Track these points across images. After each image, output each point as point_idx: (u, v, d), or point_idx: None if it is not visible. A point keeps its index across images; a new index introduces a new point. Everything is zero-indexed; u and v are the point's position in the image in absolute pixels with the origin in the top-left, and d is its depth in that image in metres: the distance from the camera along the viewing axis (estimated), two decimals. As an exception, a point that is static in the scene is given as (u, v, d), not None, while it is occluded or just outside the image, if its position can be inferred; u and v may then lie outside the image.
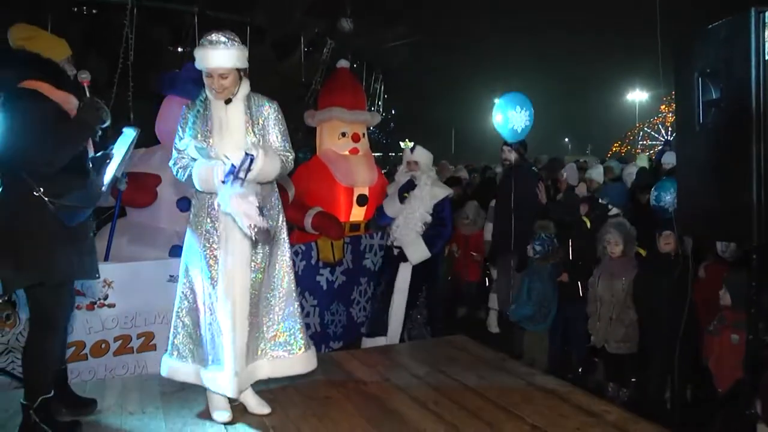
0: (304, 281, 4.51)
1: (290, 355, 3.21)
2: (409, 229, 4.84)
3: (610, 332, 4.38)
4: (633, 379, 4.37)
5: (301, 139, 6.29)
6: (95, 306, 4.12)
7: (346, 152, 5.55)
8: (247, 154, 2.83)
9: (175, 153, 3.10)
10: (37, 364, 2.87)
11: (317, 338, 4.50)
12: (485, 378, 3.72)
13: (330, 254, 4.76)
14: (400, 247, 4.90)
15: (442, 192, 4.97)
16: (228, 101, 3.01)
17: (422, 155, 5.01)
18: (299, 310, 3.28)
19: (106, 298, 4.13)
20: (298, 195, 4.83)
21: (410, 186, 4.89)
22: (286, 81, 6.87)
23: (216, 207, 2.95)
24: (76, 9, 7.45)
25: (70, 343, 3.89)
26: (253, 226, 2.76)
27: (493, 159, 12.33)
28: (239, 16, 6.47)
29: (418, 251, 4.81)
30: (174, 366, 3.16)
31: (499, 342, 5.53)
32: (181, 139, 3.07)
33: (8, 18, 3.47)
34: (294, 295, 3.24)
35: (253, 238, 2.83)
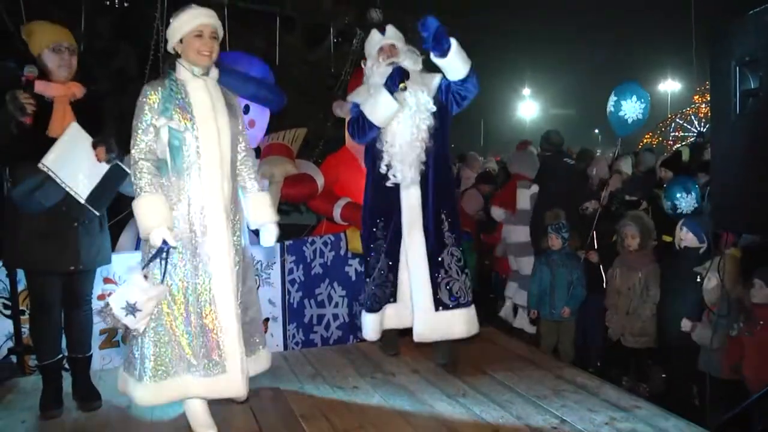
0: (333, 271, 4.53)
1: (253, 354, 3.05)
2: (412, 146, 3.61)
3: (626, 326, 4.34)
4: (663, 375, 4.32)
5: (330, 129, 6.30)
6: (127, 294, 4.18)
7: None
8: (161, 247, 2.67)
9: (138, 146, 2.76)
10: (32, 338, 3.29)
11: (345, 328, 4.51)
12: (513, 370, 3.71)
13: (359, 244, 4.76)
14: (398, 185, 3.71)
15: (433, 78, 3.72)
16: (204, 74, 2.86)
17: (397, 36, 3.77)
18: (259, 308, 3.22)
19: (137, 286, 4.18)
20: (327, 185, 4.83)
21: (399, 76, 3.50)
22: (315, 71, 6.89)
23: (197, 212, 2.80)
24: (108, 2, 7.54)
25: (103, 330, 3.96)
26: (109, 306, 2.60)
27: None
28: (269, 6, 6.48)
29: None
30: (157, 388, 2.80)
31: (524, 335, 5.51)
32: (145, 127, 2.75)
33: (45, 11, 3.54)
34: (255, 293, 3.17)
35: (101, 310, 2.65)
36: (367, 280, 3.91)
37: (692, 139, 20.10)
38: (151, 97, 2.78)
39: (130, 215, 5.09)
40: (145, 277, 2.69)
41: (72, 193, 3.01)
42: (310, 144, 6.19)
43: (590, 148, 8.13)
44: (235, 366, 2.83)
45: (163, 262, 2.71)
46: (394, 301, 3.85)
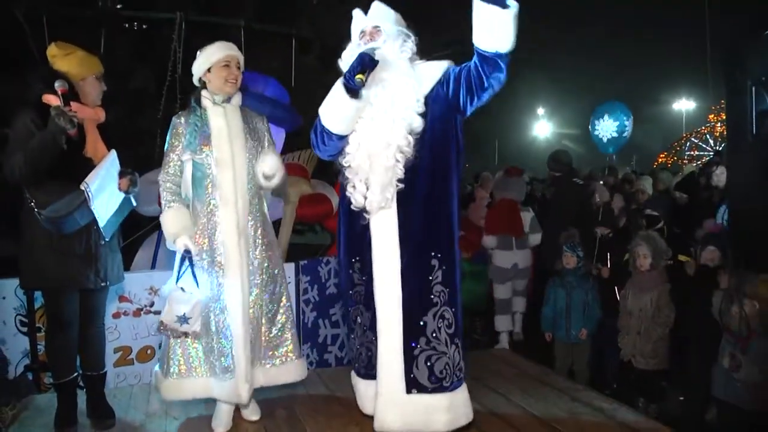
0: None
1: (281, 363, 3.21)
2: (382, 158, 2.68)
3: (637, 347, 4.29)
4: (681, 398, 4.26)
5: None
6: (141, 312, 4.22)
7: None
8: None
9: (164, 171, 3.08)
10: (48, 355, 3.30)
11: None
12: (529, 392, 3.66)
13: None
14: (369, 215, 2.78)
15: (440, 66, 2.84)
16: (226, 101, 3.10)
17: (386, 15, 2.86)
18: (292, 319, 3.30)
19: (152, 305, 4.23)
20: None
21: (359, 64, 2.60)
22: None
23: (213, 224, 3.03)
24: (127, 25, 7.69)
25: (117, 348, 3.99)
26: (164, 323, 2.94)
27: (535, 170, 12.20)
28: (285, 28, 6.57)
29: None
30: (178, 385, 3.09)
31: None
32: (173, 149, 3.08)
33: (67, 33, 3.62)
34: (287, 304, 3.26)
35: (159, 329, 2.99)
36: (352, 336, 3.09)
37: (708, 158, 19.95)
38: (179, 129, 3.10)
39: (146, 235, 5.17)
40: (182, 289, 2.94)
41: (96, 217, 3.06)
42: (325, 164, 6.23)
43: (596, 171, 8.05)
44: (240, 373, 3.00)
45: (191, 269, 2.97)
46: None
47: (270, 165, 3.06)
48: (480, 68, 2.64)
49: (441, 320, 2.71)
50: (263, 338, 3.18)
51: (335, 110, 2.73)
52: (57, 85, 2.94)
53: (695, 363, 3.82)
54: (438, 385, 2.72)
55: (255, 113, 3.26)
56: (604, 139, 5.02)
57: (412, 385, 2.72)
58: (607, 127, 4.99)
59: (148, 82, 6.94)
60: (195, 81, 3.19)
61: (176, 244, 3.00)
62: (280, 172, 3.13)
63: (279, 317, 3.23)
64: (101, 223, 3.08)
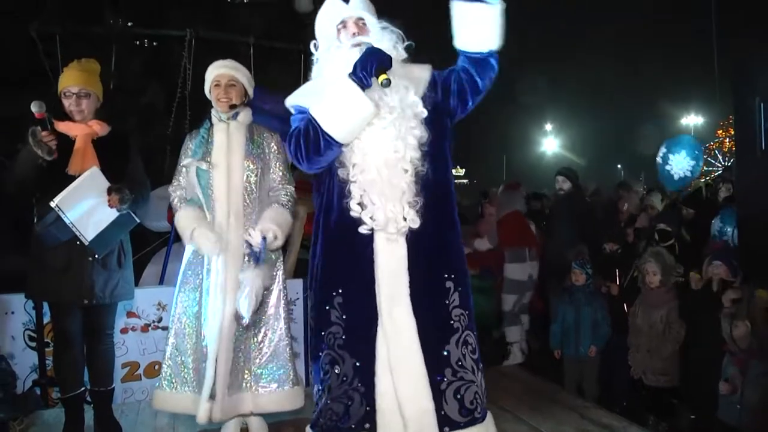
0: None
1: (277, 390, 3.12)
2: (396, 171, 2.33)
3: (647, 364, 4.25)
4: (692, 416, 4.20)
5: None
6: (149, 328, 4.22)
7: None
8: (263, 237, 2.94)
9: (175, 182, 3.19)
10: (55, 370, 3.33)
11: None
12: (539, 410, 3.64)
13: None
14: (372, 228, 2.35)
15: (426, 69, 2.52)
16: (231, 118, 3.11)
17: (367, 5, 2.51)
18: (290, 345, 3.19)
19: (160, 320, 4.23)
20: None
21: (377, 60, 2.27)
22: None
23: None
24: (138, 42, 7.78)
25: (125, 363, 3.99)
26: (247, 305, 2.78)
27: (543, 185, 12.19)
28: (294, 44, 6.62)
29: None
30: (164, 397, 3.11)
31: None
32: (180, 169, 3.17)
33: (79, 51, 3.67)
34: (284, 329, 3.17)
35: (241, 316, 2.83)
36: (319, 388, 2.47)
37: (717, 173, 19.87)
38: (187, 143, 3.19)
39: (155, 250, 5.19)
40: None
41: (77, 233, 3.06)
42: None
43: (600, 187, 8.04)
44: (204, 392, 2.94)
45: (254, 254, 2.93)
46: (372, 429, 2.37)
47: (255, 241, 2.95)
48: (472, 72, 2.44)
49: (465, 346, 2.39)
50: (252, 363, 3.09)
51: (347, 114, 2.29)
52: (33, 110, 2.94)
53: (702, 382, 3.78)
54: (470, 418, 2.38)
55: (266, 130, 3.25)
56: (676, 176, 4.78)
57: (444, 423, 2.34)
58: (681, 164, 4.75)
59: (158, 99, 7.00)
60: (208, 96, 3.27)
61: (193, 239, 2.98)
62: (278, 232, 3.00)
63: (271, 341, 3.13)
64: (87, 239, 3.08)
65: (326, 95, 2.31)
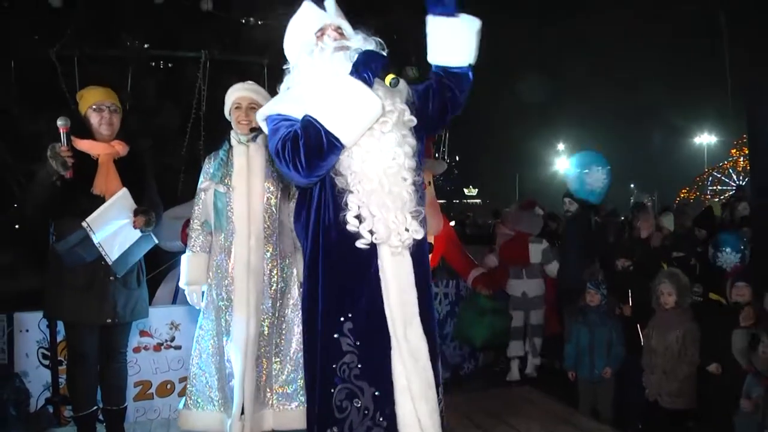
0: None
1: (297, 408, 3.13)
2: (397, 180, 2.20)
3: (663, 386, 4.17)
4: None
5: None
6: (162, 347, 4.23)
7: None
8: None
9: (194, 214, 3.21)
10: (68, 388, 3.35)
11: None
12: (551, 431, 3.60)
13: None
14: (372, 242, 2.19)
15: (403, 83, 2.31)
16: (251, 140, 3.13)
17: (342, 15, 2.45)
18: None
19: (172, 340, 4.25)
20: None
21: (382, 59, 2.21)
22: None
23: (229, 262, 3.08)
24: (153, 63, 7.89)
25: (137, 382, 3.99)
26: None
27: (556, 205, 12.12)
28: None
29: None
30: (189, 416, 3.14)
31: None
32: (199, 193, 3.19)
33: (96, 73, 3.74)
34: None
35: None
36: (334, 429, 2.17)
37: (731, 192, 19.73)
38: (205, 166, 3.21)
39: (168, 270, 5.21)
40: None
41: (103, 254, 3.10)
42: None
43: (616, 207, 8.00)
44: (235, 412, 2.97)
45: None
46: None
47: None
48: (450, 86, 2.39)
49: (440, 363, 2.31)
50: (274, 380, 3.13)
51: (354, 112, 2.12)
52: (59, 123, 2.99)
53: (720, 404, 3.72)
54: None
55: None
56: (598, 190, 5.28)
57: None
58: (597, 177, 5.23)
59: (172, 120, 7.08)
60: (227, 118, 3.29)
61: (187, 291, 3.15)
62: None
63: (294, 360, 3.15)
64: (110, 260, 3.12)
65: (327, 94, 2.14)
